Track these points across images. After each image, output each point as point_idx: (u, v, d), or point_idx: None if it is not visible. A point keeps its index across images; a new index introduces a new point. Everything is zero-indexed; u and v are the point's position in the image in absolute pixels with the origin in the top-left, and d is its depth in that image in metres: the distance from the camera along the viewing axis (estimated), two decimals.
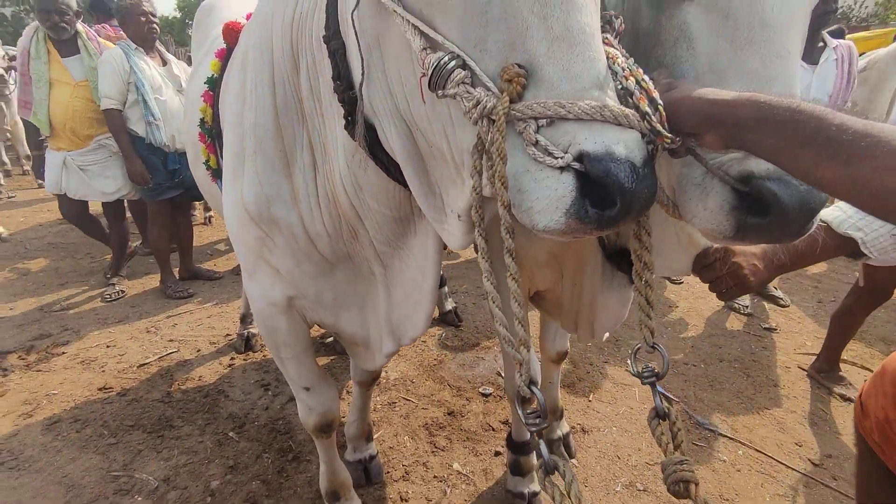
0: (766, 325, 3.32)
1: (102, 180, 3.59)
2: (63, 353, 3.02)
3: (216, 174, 1.71)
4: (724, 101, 0.68)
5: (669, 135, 0.71)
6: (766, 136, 0.64)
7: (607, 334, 1.57)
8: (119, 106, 3.34)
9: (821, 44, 3.08)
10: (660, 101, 0.72)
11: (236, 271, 4.15)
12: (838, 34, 6.16)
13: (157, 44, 3.58)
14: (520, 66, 0.68)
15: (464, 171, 0.81)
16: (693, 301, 3.69)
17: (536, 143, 0.67)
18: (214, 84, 1.61)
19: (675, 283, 3.97)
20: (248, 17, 1.54)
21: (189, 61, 3.66)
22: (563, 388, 2.61)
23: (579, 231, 0.67)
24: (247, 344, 3.02)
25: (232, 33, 1.52)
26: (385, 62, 0.87)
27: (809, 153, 0.60)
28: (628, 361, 0.99)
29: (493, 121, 0.69)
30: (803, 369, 2.83)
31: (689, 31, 0.85)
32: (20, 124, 6.77)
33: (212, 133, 1.65)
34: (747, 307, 3.49)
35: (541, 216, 0.67)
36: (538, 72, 0.68)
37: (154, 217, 3.71)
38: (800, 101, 0.63)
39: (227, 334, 3.23)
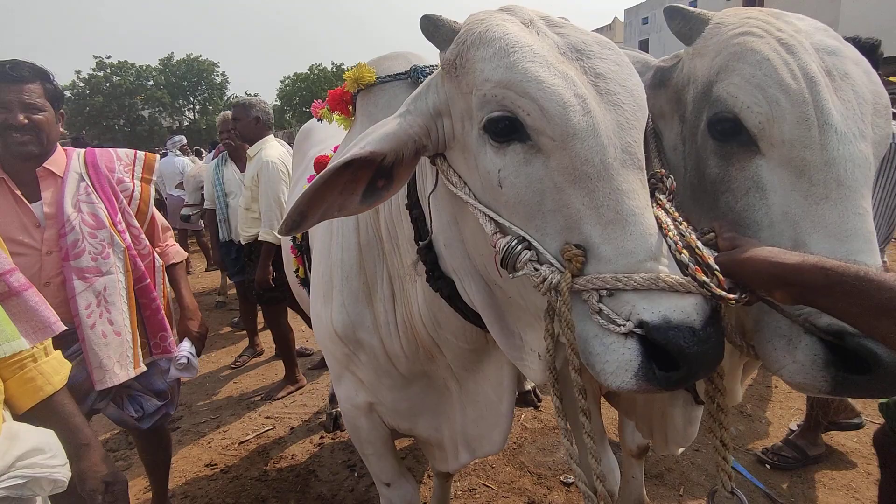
0: None
1: None
2: (178, 427, 3.36)
3: (303, 282, 1.93)
4: (790, 264, 0.70)
5: (732, 297, 0.74)
6: (837, 300, 0.67)
7: (681, 449, 1.51)
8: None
9: None
10: (715, 266, 0.76)
11: None
12: None
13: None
14: (578, 245, 0.77)
15: (542, 319, 0.89)
16: None
17: (600, 312, 0.75)
18: None
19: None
20: (335, 149, 1.78)
21: (288, 140, 4.16)
22: (651, 478, 2.46)
23: (650, 390, 0.73)
24: (335, 423, 3.18)
25: (321, 165, 1.77)
26: (463, 234, 1.00)
27: (888, 322, 0.62)
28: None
29: (560, 292, 0.78)
30: None
31: (762, 183, 0.89)
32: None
33: (301, 248, 1.88)
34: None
35: (613, 377, 0.74)
36: (595, 249, 0.77)
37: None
38: (866, 269, 0.65)
39: (317, 412, 3.43)
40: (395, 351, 1.39)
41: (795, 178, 0.85)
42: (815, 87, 0.84)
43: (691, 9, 1.03)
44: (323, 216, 0.93)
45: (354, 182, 0.93)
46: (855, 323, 0.67)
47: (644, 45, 32.77)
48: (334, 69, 45.72)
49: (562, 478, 2.56)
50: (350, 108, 1.51)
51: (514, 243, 0.82)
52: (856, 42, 1.79)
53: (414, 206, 1.13)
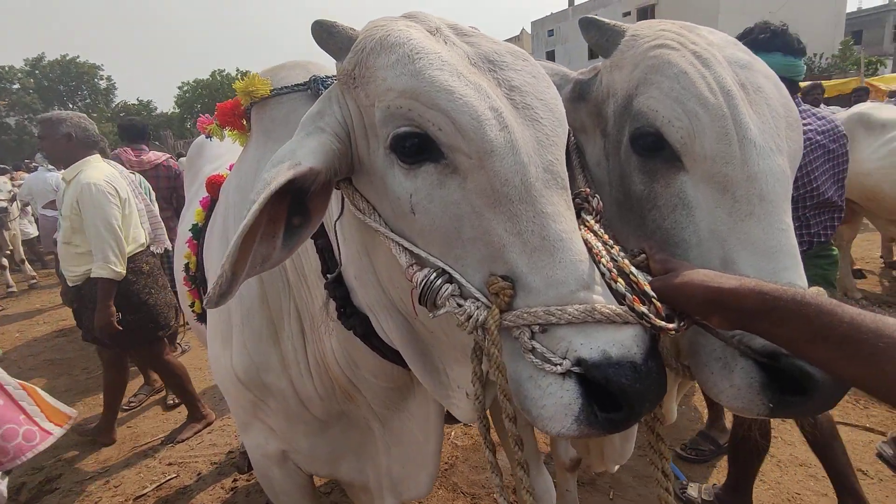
0: None
1: None
2: (56, 488, 2.89)
3: (200, 318, 1.70)
4: (728, 288, 0.68)
5: (671, 326, 0.70)
6: (774, 325, 0.65)
7: (616, 466, 1.50)
8: None
9: None
10: (652, 294, 0.72)
11: None
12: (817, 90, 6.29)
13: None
14: (505, 277, 0.70)
15: (468, 343, 0.80)
16: None
17: (533, 350, 0.68)
18: (198, 233, 1.63)
19: None
20: (231, 167, 1.58)
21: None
22: (582, 486, 2.47)
23: (592, 434, 0.67)
24: (250, 463, 2.89)
25: (214, 186, 1.56)
26: (375, 266, 0.89)
27: (824, 348, 0.61)
28: None
29: (488, 330, 0.70)
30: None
31: (688, 200, 0.87)
32: (18, 237, 7.16)
33: (196, 280, 1.65)
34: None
35: (552, 423, 0.67)
36: (523, 280, 0.70)
37: None
38: (804, 292, 0.64)
39: (230, 451, 3.10)
40: (308, 393, 1.24)
41: (720, 195, 0.84)
42: (732, 101, 0.83)
43: (606, 20, 1.00)
44: (248, 274, 0.76)
45: (273, 224, 0.79)
46: (792, 348, 0.66)
47: (550, 57, 34.62)
48: (239, 75, 43.25)
49: (496, 496, 2.50)
50: (244, 122, 1.33)
51: (433, 276, 0.73)
52: (766, 30, 1.80)
53: (319, 234, 1.00)
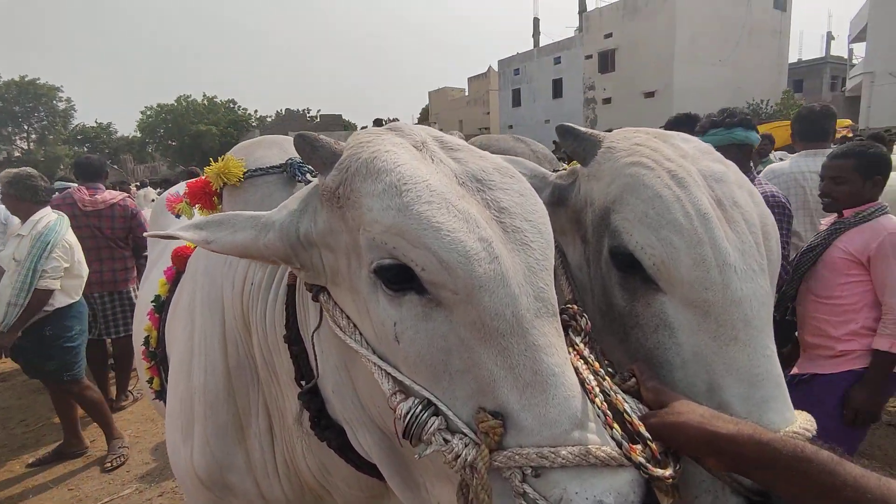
0: None
1: None
2: None
3: (159, 395, 1.60)
4: (725, 434, 0.66)
5: (668, 474, 0.68)
6: (774, 476, 0.64)
7: None
8: None
9: None
10: (648, 436, 0.70)
11: None
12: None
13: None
14: (494, 413, 0.68)
15: (453, 476, 0.76)
16: None
17: (525, 495, 0.65)
18: (161, 307, 1.55)
19: None
20: None
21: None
22: None
23: None
24: None
25: (181, 259, 1.49)
26: (355, 384, 0.86)
27: None
28: None
29: (476, 471, 0.67)
30: None
31: (669, 321, 0.85)
32: None
33: (155, 356, 1.56)
34: None
35: None
36: (514, 417, 0.67)
37: None
38: (803, 446, 0.63)
39: None
40: (275, 495, 1.16)
41: (702, 318, 0.83)
42: (708, 225, 0.83)
43: (582, 129, 1.02)
44: None
45: None
46: (791, 500, 0.65)
47: (516, 94, 35.72)
48: (206, 101, 42.95)
49: None
50: (215, 199, 1.29)
51: (418, 409, 0.70)
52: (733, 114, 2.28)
53: (294, 340, 0.95)
